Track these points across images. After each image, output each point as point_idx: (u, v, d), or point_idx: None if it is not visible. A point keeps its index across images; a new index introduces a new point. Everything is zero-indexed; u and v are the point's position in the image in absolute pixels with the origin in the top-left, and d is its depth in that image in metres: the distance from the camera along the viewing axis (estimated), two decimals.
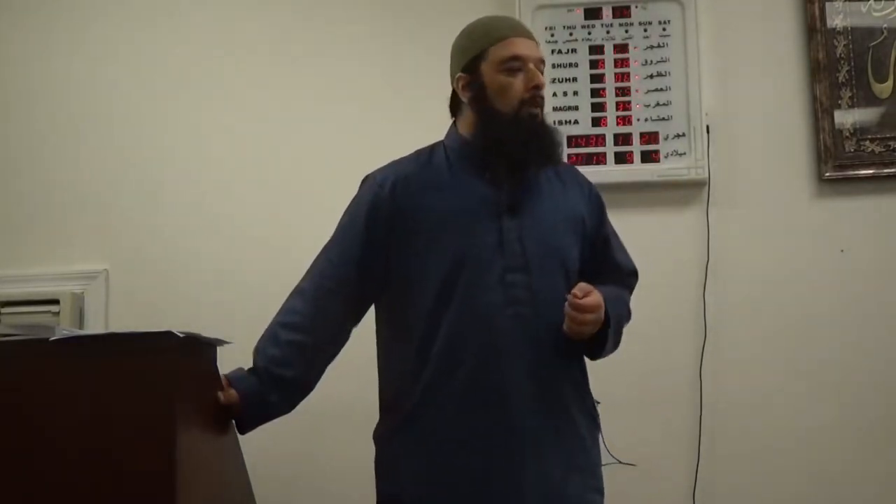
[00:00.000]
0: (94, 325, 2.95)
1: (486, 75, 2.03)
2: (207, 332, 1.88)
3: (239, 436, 2.04)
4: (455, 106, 2.11)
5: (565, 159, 2.86)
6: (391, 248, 2.03)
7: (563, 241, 2.06)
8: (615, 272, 2.15)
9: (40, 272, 3.01)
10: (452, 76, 2.09)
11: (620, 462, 2.18)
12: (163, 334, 1.71)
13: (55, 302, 2.96)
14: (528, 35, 2.07)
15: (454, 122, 2.12)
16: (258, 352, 2.02)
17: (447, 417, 1.96)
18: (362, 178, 2.14)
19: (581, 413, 2.04)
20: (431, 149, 2.13)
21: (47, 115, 3.12)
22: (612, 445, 2.77)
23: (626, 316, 2.15)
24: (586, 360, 2.11)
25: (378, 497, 2.03)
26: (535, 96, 2.02)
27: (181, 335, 1.71)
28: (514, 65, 2.01)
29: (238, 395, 1.95)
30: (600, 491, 2.07)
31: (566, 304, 1.92)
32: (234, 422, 2.00)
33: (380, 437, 2.05)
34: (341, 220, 2.12)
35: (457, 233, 1.99)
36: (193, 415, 1.79)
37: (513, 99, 2.01)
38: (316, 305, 2.04)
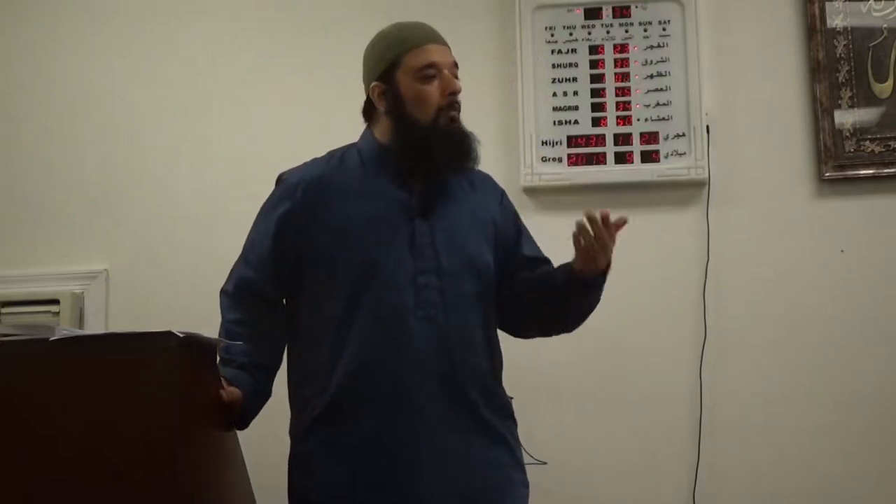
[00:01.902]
0: (94, 325, 2.95)
1: (402, 84, 2.05)
2: (208, 332, 1.88)
3: (239, 436, 2.05)
4: (369, 112, 2.13)
5: (565, 159, 2.89)
6: (302, 250, 2.06)
7: (475, 244, 2.07)
8: (537, 264, 2.15)
9: (40, 272, 3.01)
10: (366, 84, 2.11)
11: (535, 459, 2.19)
12: (163, 334, 1.71)
13: (55, 302, 2.96)
14: (441, 41, 2.09)
15: (368, 126, 2.14)
16: (228, 351, 2.04)
17: (357, 418, 1.98)
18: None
19: (492, 411, 2.03)
20: (344, 151, 2.14)
21: (48, 115, 3.12)
22: (613, 445, 2.79)
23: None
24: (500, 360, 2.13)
25: (290, 491, 2.05)
26: (451, 102, 2.04)
27: (181, 335, 1.72)
28: (430, 72, 2.04)
29: (240, 392, 1.97)
30: (522, 483, 2.07)
31: (602, 224, 1.91)
32: (234, 419, 2.01)
33: (294, 433, 2.07)
34: (256, 219, 2.17)
35: (368, 235, 2.02)
36: (193, 415, 1.80)
37: (430, 107, 2.03)
38: (245, 305, 2.09)
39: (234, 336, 2.04)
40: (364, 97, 2.13)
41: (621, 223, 1.92)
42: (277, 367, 2.11)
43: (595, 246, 1.92)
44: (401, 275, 1.99)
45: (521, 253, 2.16)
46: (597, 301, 2.08)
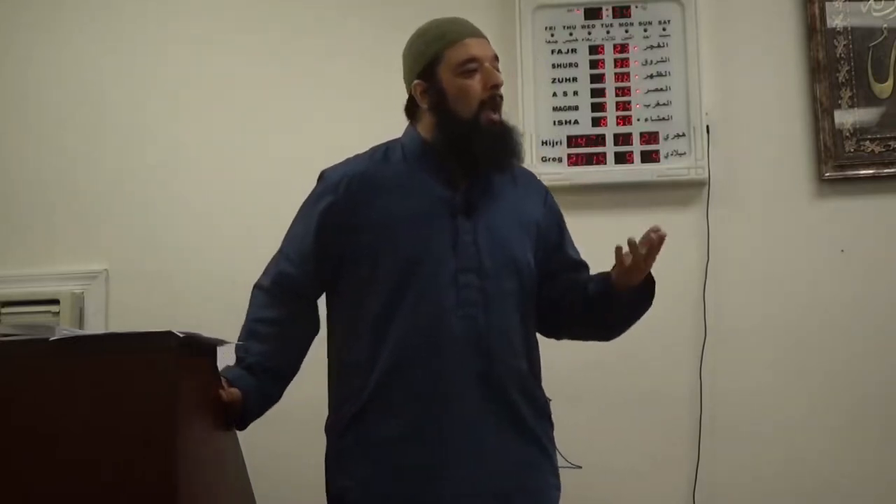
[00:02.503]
0: (94, 325, 2.95)
1: (444, 80, 2.03)
2: (207, 333, 1.88)
3: (239, 436, 2.05)
4: (412, 110, 2.11)
5: (565, 159, 2.89)
6: (345, 246, 2.04)
7: (517, 243, 2.05)
8: (579, 270, 2.15)
9: (40, 272, 3.01)
10: (408, 82, 2.10)
11: (569, 463, 2.16)
12: (163, 334, 1.71)
13: (55, 302, 2.96)
14: (479, 35, 2.07)
15: (411, 123, 2.12)
16: (243, 350, 2.04)
17: (395, 415, 1.97)
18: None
19: (531, 411, 2.02)
20: (387, 147, 2.13)
21: (47, 115, 3.12)
22: (613, 445, 2.79)
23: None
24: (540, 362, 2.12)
25: (328, 489, 2.05)
26: (493, 96, 2.02)
27: (181, 335, 1.71)
28: (471, 66, 2.02)
29: (241, 393, 1.97)
30: (555, 486, 2.07)
31: (649, 238, 1.94)
32: (234, 420, 2.00)
33: (331, 430, 2.06)
34: (297, 215, 2.14)
35: (411, 233, 2.00)
36: (193, 415, 1.80)
37: (472, 101, 2.01)
38: (282, 301, 2.08)
39: (255, 335, 2.04)
40: (404, 96, 2.12)
41: (660, 240, 1.95)
42: (292, 373, 2.08)
43: (635, 266, 1.96)
44: (442, 273, 1.98)
45: (563, 254, 2.15)
46: (636, 313, 2.09)
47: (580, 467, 2.22)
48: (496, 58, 2.06)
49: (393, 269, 1.99)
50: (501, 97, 2.04)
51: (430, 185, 2.04)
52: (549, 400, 2.11)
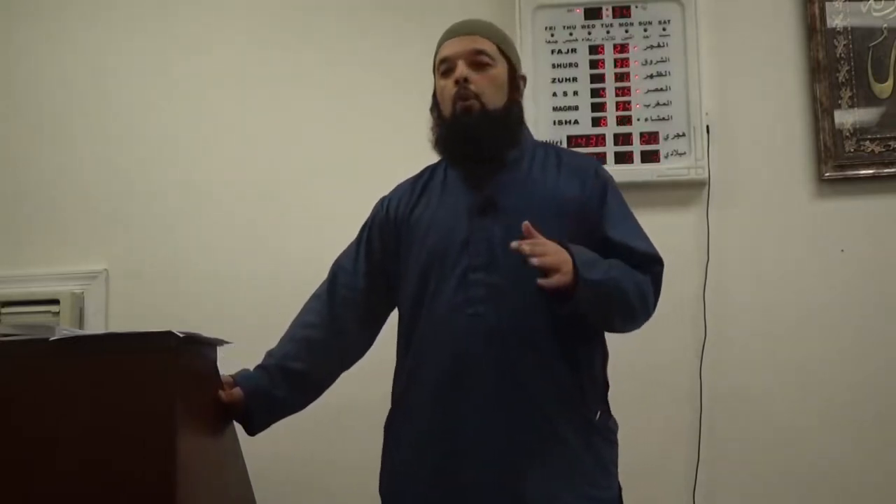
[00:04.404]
0: (94, 325, 2.95)
1: (435, 84, 2.09)
2: (207, 333, 1.88)
3: (239, 436, 2.04)
4: None
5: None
6: (388, 259, 2.11)
7: (547, 235, 1.89)
8: (618, 254, 1.98)
9: (40, 272, 3.01)
10: None
11: None
12: (163, 334, 1.71)
13: (55, 302, 2.96)
14: (465, 32, 2.07)
15: None
16: (273, 350, 2.08)
17: (413, 417, 2.00)
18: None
19: (570, 423, 1.93)
20: (435, 165, 2.16)
21: (48, 115, 3.12)
22: None
23: (628, 283, 1.94)
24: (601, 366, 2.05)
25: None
26: (459, 89, 2.01)
27: (181, 335, 1.72)
28: (445, 67, 2.05)
29: (243, 393, 1.97)
30: (592, 498, 1.93)
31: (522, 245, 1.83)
32: (237, 422, 2.01)
33: (385, 426, 2.10)
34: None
35: (433, 236, 2.03)
36: (193, 415, 1.79)
37: (447, 100, 2.04)
38: (330, 307, 2.12)
39: (288, 337, 2.10)
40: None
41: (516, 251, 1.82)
42: (319, 381, 2.10)
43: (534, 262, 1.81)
44: (452, 273, 1.98)
45: (603, 234, 2.00)
46: (601, 314, 1.95)
47: None
48: (477, 52, 2.04)
49: (416, 273, 2.03)
50: (469, 90, 2.00)
51: (460, 190, 2.05)
52: (604, 414, 2.01)
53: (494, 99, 2.03)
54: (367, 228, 2.17)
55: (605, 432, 2.01)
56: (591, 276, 1.84)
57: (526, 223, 1.84)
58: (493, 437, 1.90)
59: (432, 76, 2.12)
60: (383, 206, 2.16)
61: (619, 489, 2.03)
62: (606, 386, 2.08)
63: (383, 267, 2.12)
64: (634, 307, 1.96)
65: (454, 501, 1.91)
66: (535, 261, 1.79)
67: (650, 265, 2.01)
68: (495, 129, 2.02)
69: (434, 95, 2.10)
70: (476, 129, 2.01)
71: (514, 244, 1.81)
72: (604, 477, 1.98)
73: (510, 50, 2.12)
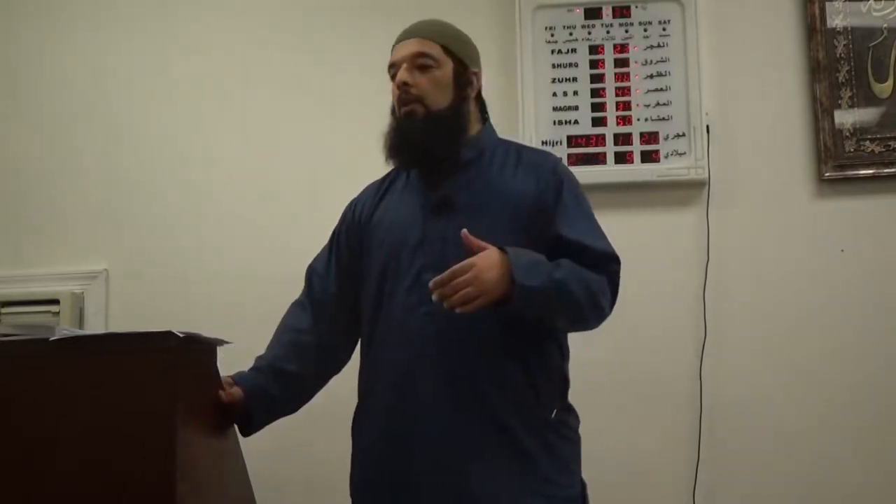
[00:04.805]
0: (94, 325, 2.95)
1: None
2: (207, 333, 1.88)
3: (239, 436, 2.05)
4: None
5: (565, 159, 2.88)
6: (354, 262, 2.12)
7: (498, 234, 1.90)
8: (571, 252, 1.94)
9: (40, 272, 3.01)
10: None
11: None
12: (163, 334, 1.71)
13: (55, 302, 2.95)
14: (409, 36, 2.09)
15: None
16: (263, 354, 2.10)
17: (375, 416, 2.02)
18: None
19: (524, 423, 1.92)
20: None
21: (48, 115, 3.12)
22: (613, 445, 2.78)
23: (574, 285, 1.89)
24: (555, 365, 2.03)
25: None
26: (401, 94, 2.03)
27: (181, 335, 1.71)
28: (392, 73, 2.09)
29: (242, 392, 1.97)
30: (539, 494, 1.92)
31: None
32: (236, 422, 2.01)
33: (352, 423, 2.12)
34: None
35: (391, 237, 2.05)
36: (193, 415, 1.79)
37: (394, 105, 2.07)
38: (313, 311, 2.14)
39: (275, 342, 2.11)
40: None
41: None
42: (310, 383, 2.12)
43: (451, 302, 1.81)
44: (407, 274, 1.99)
45: (556, 232, 1.97)
46: (546, 316, 1.92)
47: None
48: (420, 55, 2.05)
49: (375, 274, 2.05)
50: (409, 93, 2.02)
51: (417, 190, 2.07)
52: (566, 409, 2.02)
53: (438, 100, 2.03)
54: (337, 233, 2.20)
55: (562, 430, 1.99)
56: (529, 282, 1.82)
57: (463, 231, 1.83)
58: (444, 439, 1.91)
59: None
60: (351, 209, 2.19)
61: (583, 486, 2.03)
62: (565, 383, 2.06)
63: (351, 270, 2.13)
64: (582, 308, 1.92)
65: (407, 503, 1.93)
66: (445, 304, 1.79)
67: (606, 264, 1.98)
68: (440, 129, 2.03)
69: None
70: (419, 133, 2.02)
71: (431, 282, 1.80)
72: (563, 475, 1.97)
73: (459, 48, 2.10)
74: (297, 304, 2.17)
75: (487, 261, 1.81)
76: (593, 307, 1.94)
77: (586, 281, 1.91)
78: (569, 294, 1.88)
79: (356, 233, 2.14)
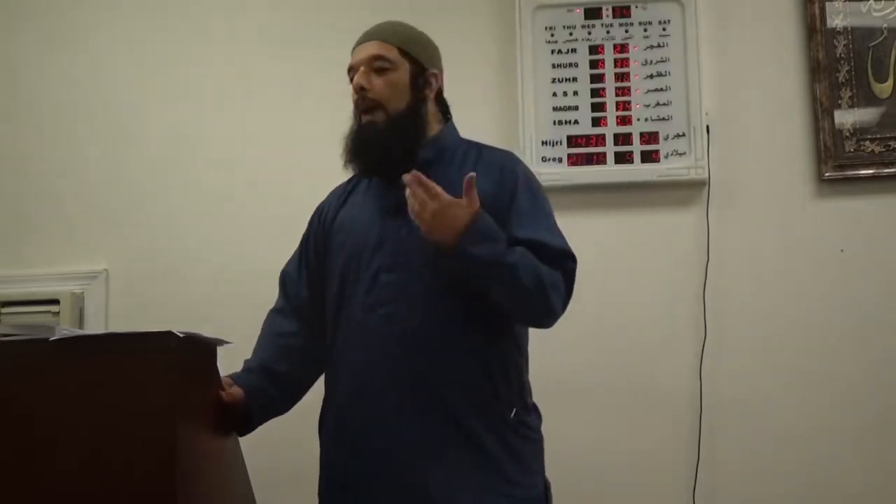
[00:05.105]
0: (94, 325, 2.95)
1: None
2: (207, 332, 1.88)
3: (239, 436, 2.05)
4: None
5: (565, 159, 2.88)
6: (321, 265, 2.13)
7: None
8: (530, 247, 1.93)
9: (40, 272, 3.01)
10: None
11: None
12: (163, 334, 1.71)
13: (55, 302, 2.95)
14: (366, 39, 2.10)
15: None
16: (250, 358, 2.10)
17: (337, 415, 2.02)
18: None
19: (483, 423, 1.92)
20: None
21: (48, 115, 3.12)
22: (613, 446, 2.79)
23: (525, 271, 1.88)
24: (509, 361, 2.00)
25: None
26: (359, 98, 2.04)
27: (181, 335, 1.71)
28: (350, 76, 2.09)
29: (243, 392, 1.98)
30: (502, 494, 1.92)
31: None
32: (236, 422, 2.01)
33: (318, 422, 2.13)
34: None
35: (351, 238, 2.05)
36: (193, 415, 1.80)
37: (354, 108, 2.07)
38: (291, 315, 2.15)
39: (259, 347, 2.12)
40: None
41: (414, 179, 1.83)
42: (301, 384, 2.13)
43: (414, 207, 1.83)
44: (365, 275, 2.00)
45: (512, 232, 1.95)
46: (484, 277, 1.87)
47: None
48: (376, 58, 2.05)
49: (337, 276, 2.06)
50: (366, 98, 2.02)
51: (378, 192, 2.07)
52: (526, 409, 2.01)
53: (397, 103, 2.03)
54: (306, 237, 2.21)
55: (522, 430, 1.98)
56: (473, 250, 1.83)
57: (471, 174, 1.83)
58: (403, 438, 1.91)
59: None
60: (318, 213, 2.20)
61: (546, 486, 2.02)
62: (524, 383, 2.05)
63: (320, 273, 2.13)
64: (530, 295, 1.89)
65: (363, 502, 1.94)
66: (414, 211, 1.83)
67: (562, 261, 1.97)
68: (398, 132, 2.03)
69: None
70: (377, 141, 2.02)
71: (407, 177, 1.82)
72: (524, 475, 1.96)
73: (416, 50, 2.10)
74: (274, 311, 2.18)
75: (459, 210, 1.83)
76: (542, 298, 1.91)
77: (540, 272, 1.90)
78: (517, 278, 1.86)
79: (322, 236, 2.14)
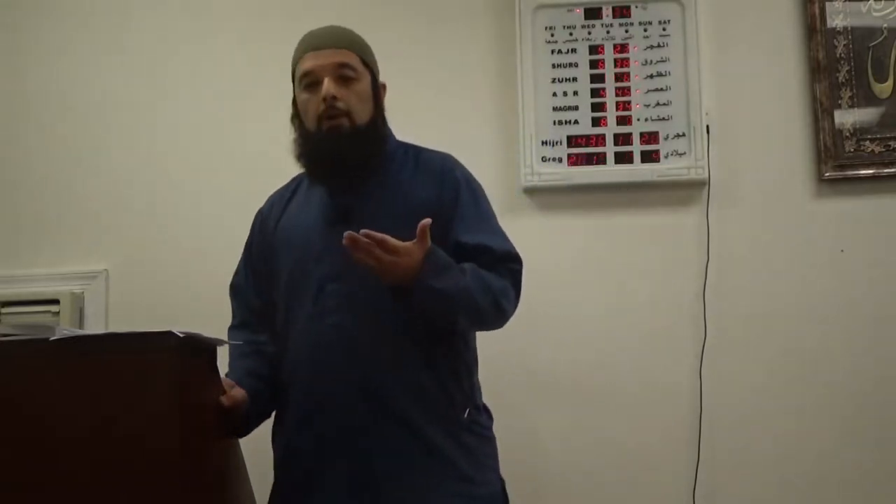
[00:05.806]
0: (94, 325, 2.95)
1: (296, 94, 2.08)
2: (207, 333, 1.88)
3: (238, 437, 2.05)
4: None
5: (565, 159, 2.88)
6: (267, 271, 2.11)
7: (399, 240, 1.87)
8: (473, 255, 1.96)
9: (40, 272, 3.01)
10: None
11: None
12: (163, 334, 1.71)
13: (55, 302, 2.95)
14: (329, 45, 2.05)
15: None
16: (231, 370, 2.07)
17: (288, 429, 2.01)
18: None
19: (437, 427, 1.94)
20: (304, 174, 2.16)
21: (48, 116, 3.12)
22: (613, 445, 2.79)
23: (479, 293, 1.92)
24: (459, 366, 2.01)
25: None
26: (327, 108, 2.00)
27: (181, 335, 1.72)
28: (308, 81, 2.03)
29: (245, 394, 1.98)
30: (459, 495, 1.93)
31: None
32: (235, 422, 2.00)
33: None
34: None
35: (295, 247, 2.04)
36: (194, 415, 1.79)
37: (311, 116, 2.03)
38: (251, 327, 2.13)
39: (234, 357, 2.09)
40: None
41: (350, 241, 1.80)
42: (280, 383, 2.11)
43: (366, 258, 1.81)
44: (310, 284, 1.98)
45: (455, 237, 1.98)
46: (447, 305, 1.88)
47: None
48: (342, 65, 2.02)
49: (283, 286, 2.04)
50: (337, 108, 1.99)
51: (320, 199, 2.05)
52: (477, 409, 2.02)
53: (362, 114, 2.02)
54: (249, 244, 2.19)
55: (475, 429, 2.00)
56: (435, 284, 1.84)
57: (427, 220, 1.81)
58: (359, 446, 1.91)
59: (292, 85, 2.12)
60: (259, 218, 2.19)
61: (502, 483, 2.03)
62: (475, 384, 2.06)
63: (267, 279, 2.11)
64: (485, 314, 1.94)
65: None
66: (370, 267, 1.80)
67: (508, 263, 2.00)
68: (363, 144, 2.01)
69: (295, 105, 2.09)
70: (344, 148, 2.00)
71: (363, 232, 1.78)
72: (480, 473, 1.98)
73: (371, 60, 2.10)
74: (233, 329, 2.15)
75: (415, 253, 1.81)
76: (498, 312, 1.96)
77: (492, 288, 1.93)
78: (473, 302, 1.90)
79: (266, 244, 2.13)
